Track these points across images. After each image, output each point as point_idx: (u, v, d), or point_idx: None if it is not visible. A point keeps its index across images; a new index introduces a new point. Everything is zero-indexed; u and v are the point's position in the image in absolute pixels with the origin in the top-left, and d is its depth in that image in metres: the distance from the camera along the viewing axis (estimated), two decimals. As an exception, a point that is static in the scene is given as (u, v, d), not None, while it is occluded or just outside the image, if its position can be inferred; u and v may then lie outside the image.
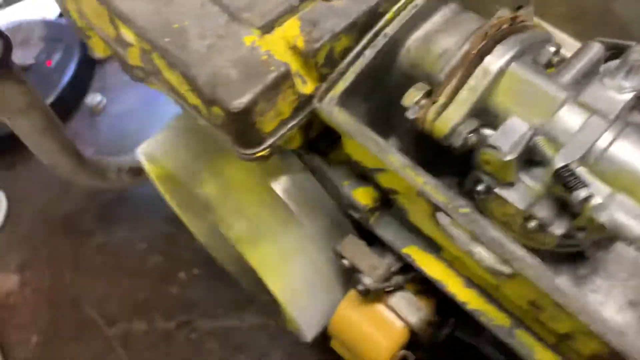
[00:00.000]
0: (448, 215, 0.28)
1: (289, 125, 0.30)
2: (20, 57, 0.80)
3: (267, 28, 0.28)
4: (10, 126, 0.48)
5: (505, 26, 0.29)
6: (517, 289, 0.29)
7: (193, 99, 0.29)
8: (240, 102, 0.27)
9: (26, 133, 0.48)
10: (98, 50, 0.41)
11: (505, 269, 0.28)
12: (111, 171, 0.59)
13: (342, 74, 0.30)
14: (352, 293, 0.39)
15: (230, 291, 0.64)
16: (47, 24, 0.85)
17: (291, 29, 0.29)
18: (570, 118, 0.28)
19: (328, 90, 0.30)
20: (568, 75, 0.30)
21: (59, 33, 0.83)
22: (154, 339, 0.62)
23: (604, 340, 0.26)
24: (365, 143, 0.28)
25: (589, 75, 0.30)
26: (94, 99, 0.79)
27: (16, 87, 0.44)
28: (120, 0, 0.30)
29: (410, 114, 0.29)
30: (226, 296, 0.64)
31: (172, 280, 0.66)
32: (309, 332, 0.42)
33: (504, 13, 0.30)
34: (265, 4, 0.29)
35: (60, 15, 0.88)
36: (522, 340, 0.32)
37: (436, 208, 0.28)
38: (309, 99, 0.30)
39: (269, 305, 0.52)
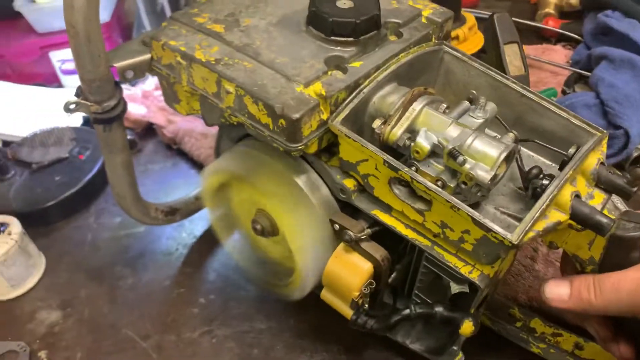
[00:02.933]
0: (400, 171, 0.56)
1: (315, 134, 0.59)
2: (57, 152, 1.04)
3: (307, 85, 0.58)
4: (106, 161, 0.72)
5: (422, 91, 0.60)
6: (434, 217, 0.57)
7: (265, 119, 0.57)
8: (297, 114, 0.55)
9: (117, 166, 0.72)
10: (181, 110, 0.69)
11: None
12: (152, 210, 0.83)
13: (341, 110, 0.59)
14: (340, 247, 0.64)
15: (240, 307, 0.86)
16: (75, 129, 1.10)
17: (319, 87, 0.58)
18: (454, 130, 0.58)
19: (334, 117, 0.59)
20: (454, 113, 0.61)
21: (87, 137, 1.08)
22: (182, 345, 0.81)
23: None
24: (358, 140, 0.57)
25: (462, 112, 0.61)
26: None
27: (122, 132, 0.70)
28: (225, 70, 0.60)
29: (377, 131, 0.58)
30: (238, 311, 0.85)
31: (194, 304, 0.86)
32: (308, 286, 0.66)
33: (420, 88, 0.61)
34: (305, 73, 0.59)
35: (84, 123, 1.14)
36: (437, 250, 0.59)
37: (393, 173, 0.56)
38: (325, 122, 0.59)
39: (270, 283, 0.75)
